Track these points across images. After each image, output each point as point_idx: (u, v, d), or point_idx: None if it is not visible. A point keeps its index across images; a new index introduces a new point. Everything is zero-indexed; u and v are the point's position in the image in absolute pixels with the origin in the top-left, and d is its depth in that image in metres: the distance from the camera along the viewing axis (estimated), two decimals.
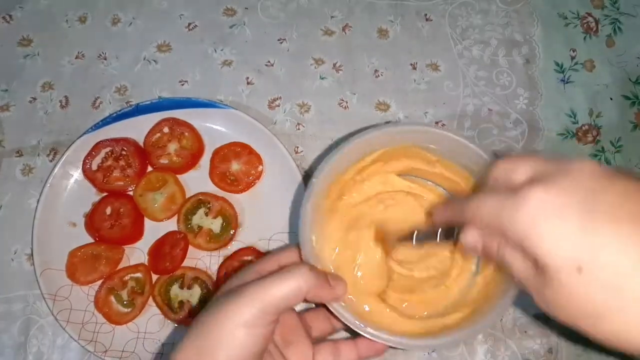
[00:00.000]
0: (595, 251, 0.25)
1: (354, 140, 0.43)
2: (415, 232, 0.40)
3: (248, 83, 0.62)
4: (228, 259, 0.54)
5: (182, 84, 0.62)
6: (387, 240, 0.43)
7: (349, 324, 0.38)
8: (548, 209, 0.26)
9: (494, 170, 0.32)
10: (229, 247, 0.55)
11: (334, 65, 0.63)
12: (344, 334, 0.47)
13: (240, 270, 0.38)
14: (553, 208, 0.26)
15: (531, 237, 0.27)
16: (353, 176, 0.46)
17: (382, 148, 0.45)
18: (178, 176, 0.57)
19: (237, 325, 0.31)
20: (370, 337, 0.38)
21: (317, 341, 0.41)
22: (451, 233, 0.36)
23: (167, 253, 0.54)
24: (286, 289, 0.33)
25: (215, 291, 0.38)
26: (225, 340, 0.31)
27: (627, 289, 0.24)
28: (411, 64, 0.63)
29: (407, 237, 0.41)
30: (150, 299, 0.53)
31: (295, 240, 0.46)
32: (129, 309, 0.53)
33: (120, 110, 0.57)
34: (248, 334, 0.31)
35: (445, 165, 0.46)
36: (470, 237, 0.32)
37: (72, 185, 0.56)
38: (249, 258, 0.53)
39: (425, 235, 0.40)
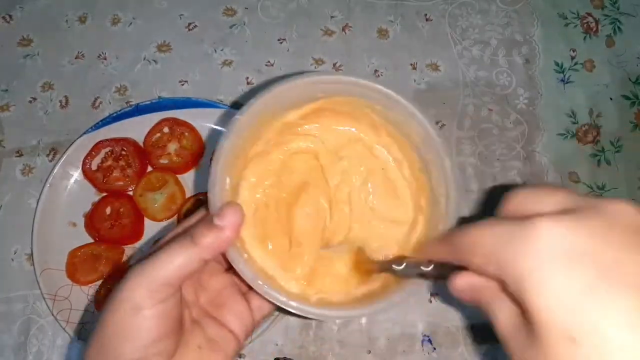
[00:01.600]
0: (598, 325, 0.20)
1: (295, 79, 0.37)
2: (404, 264, 0.33)
3: (248, 83, 0.62)
4: None
5: (182, 84, 0.62)
6: (362, 264, 0.37)
7: (247, 281, 0.33)
8: (561, 251, 0.21)
9: (512, 199, 0.26)
10: None
11: (334, 65, 0.63)
12: None
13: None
14: (568, 251, 0.21)
15: (530, 281, 0.21)
16: (291, 121, 0.40)
17: (327, 96, 0.39)
18: (178, 176, 0.57)
19: (130, 312, 0.29)
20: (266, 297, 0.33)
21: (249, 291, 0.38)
22: (443, 268, 0.31)
23: None
24: (175, 261, 0.30)
25: None
26: (122, 330, 0.29)
27: None
28: (411, 64, 0.63)
29: (389, 265, 0.35)
30: None
31: None
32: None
33: (120, 110, 0.57)
34: (144, 317, 0.29)
35: (390, 134, 0.40)
36: (461, 283, 0.27)
37: (72, 185, 0.56)
38: None
39: (411, 266, 0.33)
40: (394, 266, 0.34)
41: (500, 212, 0.26)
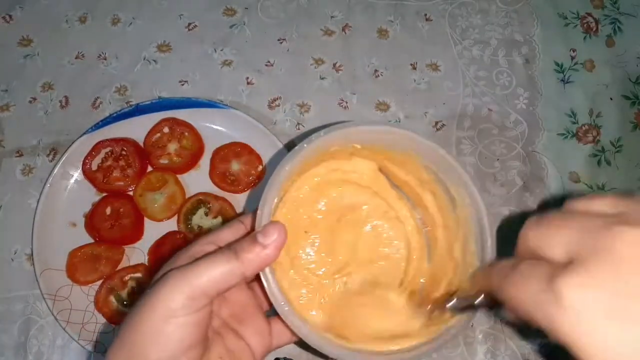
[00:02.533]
0: None
1: (359, 125, 0.38)
2: (455, 299, 0.33)
3: (248, 83, 0.62)
4: None
5: (182, 84, 0.62)
6: (418, 301, 0.37)
7: (274, 304, 0.33)
8: (592, 310, 0.22)
9: (525, 240, 0.27)
10: None
11: (334, 65, 0.63)
12: None
13: (175, 254, 0.34)
14: (597, 307, 0.22)
15: (574, 343, 0.22)
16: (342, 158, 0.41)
17: (383, 146, 0.40)
18: (178, 176, 0.57)
19: (164, 318, 0.28)
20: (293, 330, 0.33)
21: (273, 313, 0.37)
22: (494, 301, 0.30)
23: (167, 253, 0.53)
24: (216, 272, 0.30)
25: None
26: (154, 336, 0.29)
27: None
28: (411, 64, 0.63)
29: (442, 301, 0.35)
30: None
31: None
32: (129, 309, 0.52)
33: (120, 110, 0.57)
34: (178, 325, 0.29)
35: (433, 191, 0.41)
36: (509, 315, 0.28)
37: (72, 185, 0.56)
38: None
39: (462, 300, 0.33)
40: (446, 304, 0.33)
41: (517, 252, 0.27)
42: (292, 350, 0.52)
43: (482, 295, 0.31)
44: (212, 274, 0.29)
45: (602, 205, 0.25)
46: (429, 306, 0.36)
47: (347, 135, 0.38)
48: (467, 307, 0.33)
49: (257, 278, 0.33)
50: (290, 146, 0.57)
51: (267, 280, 0.33)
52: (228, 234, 0.35)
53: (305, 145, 0.36)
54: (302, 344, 0.33)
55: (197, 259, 0.31)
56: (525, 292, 0.25)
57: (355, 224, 0.42)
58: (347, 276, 0.40)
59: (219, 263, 0.30)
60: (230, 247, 0.31)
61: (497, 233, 0.36)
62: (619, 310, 0.21)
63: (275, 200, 0.35)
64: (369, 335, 0.37)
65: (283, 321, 0.33)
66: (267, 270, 0.33)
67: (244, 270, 0.30)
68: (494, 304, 0.30)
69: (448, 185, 0.39)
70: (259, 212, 0.34)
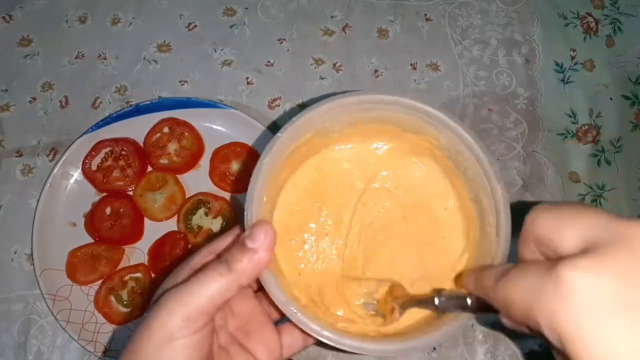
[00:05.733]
0: None
1: (338, 99, 0.36)
2: (443, 297, 0.32)
3: (248, 83, 0.62)
4: None
5: (182, 84, 0.62)
6: (396, 299, 0.35)
7: (279, 306, 0.32)
8: (598, 304, 0.19)
9: (535, 226, 0.25)
10: None
11: (334, 65, 0.63)
12: None
13: (176, 268, 0.33)
14: (604, 302, 0.19)
15: (570, 341, 0.20)
16: (331, 142, 0.39)
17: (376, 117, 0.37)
18: (178, 176, 0.57)
19: (163, 342, 0.28)
20: (309, 332, 0.31)
21: (281, 321, 0.37)
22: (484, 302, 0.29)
23: (167, 253, 0.54)
24: (211, 289, 0.29)
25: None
26: (155, 358, 0.28)
27: None
28: (411, 64, 0.63)
29: (428, 299, 0.33)
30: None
31: None
32: (129, 309, 0.53)
33: (120, 110, 0.57)
34: (177, 348, 0.28)
35: (437, 158, 0.39)
36: (506, 321, 0.27)
37: (72, 185, 0.56)
38: None
39: (451, 298, 0.32)
40: (435, 298, 0.32)
41: (522, 237, 0.26)
42: None
43: (473, 298, 0.30)
44: (207, 292, 0.29)
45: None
46: (412, 298, 0.35)
47: (320, 116, 0.35)
48: (454, 307, 0.32)
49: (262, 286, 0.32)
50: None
51: (270, 286, 0.31)
52: (224, 241, 0.34)
53: (279, 134, 0.35)
54: (320, 343, 0.32)
55: (191, 276, 0.30)
56: (523, 285, 0.23)
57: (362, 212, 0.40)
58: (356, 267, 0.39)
59: (212, 279, 0.29)
60: (222, 259, 0.30)
61: None
62: (630, 303, 0.19)
63: (264, 199, 0.34)
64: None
65: (297, 326, 0.32)
66: (267, 275, 0.32)
67: (239, 281, 0.29)
68: (483, 308, 0.29)
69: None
70: (245, 213, 0.33)
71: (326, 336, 0.31)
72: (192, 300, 0.28)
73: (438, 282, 0.36)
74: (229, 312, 0.35)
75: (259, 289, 0.36)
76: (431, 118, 0.37)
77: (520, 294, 0.23)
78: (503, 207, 0.34)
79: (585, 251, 0.21)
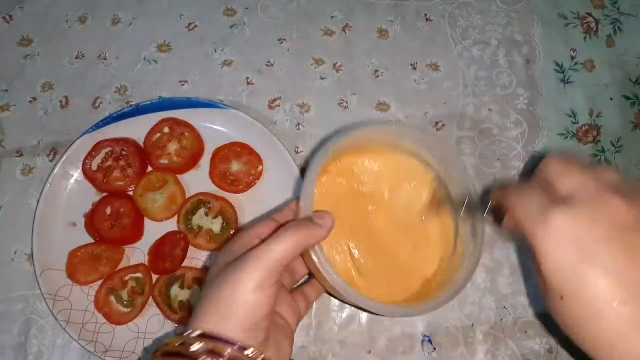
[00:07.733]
0: (580, 287, 0.30)
1: (383, 126, 0.50)
2: (466, 201, 0.44)
3: (248, 83, 0.62)
4: None
5: (182, 84, 0.62)
6: (439, 202, 0.47)
7: (325, 275, 0.39)
8: (565, 237, 0.30)
9: (547, 168, 0.35)
10: None
11: (334, 65, 0.63)
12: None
13: (234, 238, 0.40)
14: (568, 237, 0.30)
15: (540, 254, 0.31)
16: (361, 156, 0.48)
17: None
18: (178, 176, 0.57)
19: (249, 290, 0.33)
20: (351, 300, 0.39)
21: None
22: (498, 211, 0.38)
23: (167, 253, 0.54)
24: (286, 245, 0.35)
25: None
26: (240, 306, 0.33)
27: (604, 316, 0.29)
28: (411, 64, 0.63)
29: (458, 204, 0.45)
30: (150, 299, 0.53)
31: None
32: (129, 309, 0.53)
33: (120, 110, 0.57)
34: (260, 295, 0.34)
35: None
36: (507, 223, 0.35)
37: (72, 185, 0.56)
38: None
39: (474, 207, 0.43)
40: (466, 198, 0.44)
41: (539, 171, 0.35)
42: (292, 349, 0.52)
43: (490, 202, 0.40)
44: (283, 247, 0.35)
45: (616, 179, 0.32)
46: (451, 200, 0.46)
47: (365, 134, 0.45)
48: (476, 209, 0.43)
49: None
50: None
51: (319, 255, 0.39)
52: (264, 229, 0.41)
53: (335, 140, 0.43)
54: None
55: (264, 240, 0.36)
56: (526, 208, 0.33)
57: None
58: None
59: (286, 237, 0.35)
60: (289, 227, 0.36)
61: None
62: (578, 236, 0.30)
63: (316, 192, 0.42)
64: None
65: (325, 290, 0.45)
66: (316, 247, 0.39)
67: (306, 243, 0.36)
68: (497, 215, 0.37)
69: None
70: (301, 203, 0.40)
71: (362, 301, 0.39)
72: (273, 255, 0.35)
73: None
74: None
75: None
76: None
77: (523, 212, 0.33)
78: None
79: (569, 198, 0.32)
